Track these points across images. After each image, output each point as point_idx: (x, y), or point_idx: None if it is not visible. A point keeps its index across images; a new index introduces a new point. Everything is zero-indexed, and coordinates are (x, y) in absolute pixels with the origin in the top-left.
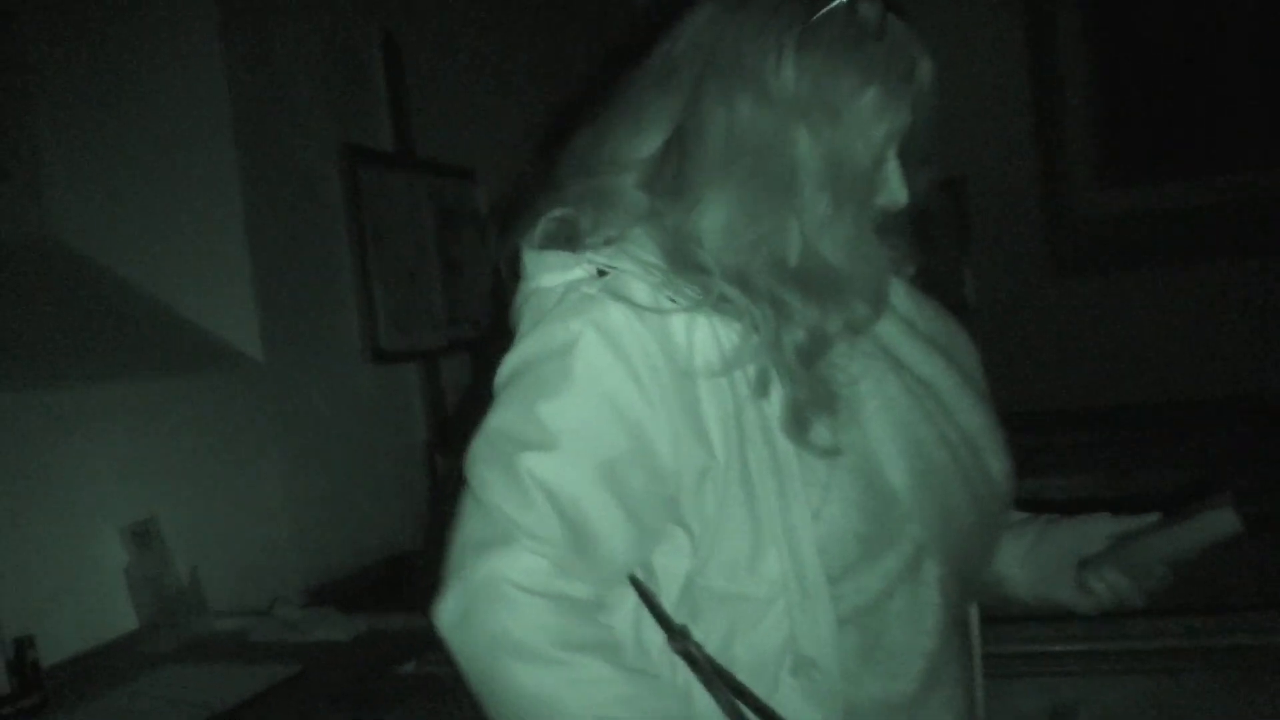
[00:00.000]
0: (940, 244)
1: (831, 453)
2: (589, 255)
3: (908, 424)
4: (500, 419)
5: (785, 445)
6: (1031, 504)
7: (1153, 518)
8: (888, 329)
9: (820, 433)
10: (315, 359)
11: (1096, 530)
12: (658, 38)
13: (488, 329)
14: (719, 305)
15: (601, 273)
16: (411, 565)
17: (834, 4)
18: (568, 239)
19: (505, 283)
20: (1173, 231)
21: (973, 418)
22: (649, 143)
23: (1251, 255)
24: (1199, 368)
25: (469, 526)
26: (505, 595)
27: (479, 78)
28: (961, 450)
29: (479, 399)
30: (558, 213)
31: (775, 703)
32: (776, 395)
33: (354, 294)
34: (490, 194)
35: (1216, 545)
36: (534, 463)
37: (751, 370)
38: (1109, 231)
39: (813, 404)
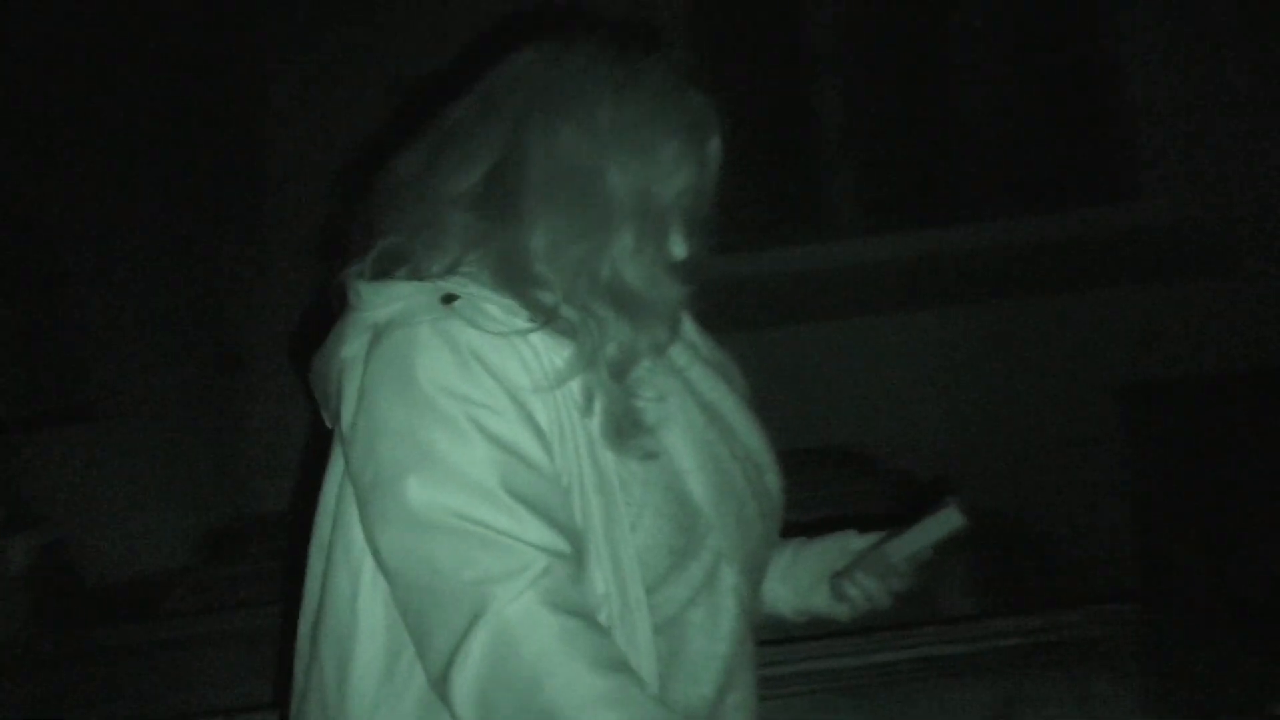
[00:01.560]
0: None
1: (650, 455)
2: (436, 283)
3: (705, 441)
4: (444, 455)
5: (607, 460)
6: None
7: (892, 529)
8: (680, 354)
9: (637, 441)
10: None
11: (845, 545)
12: (470, 76)
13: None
14: (550, 324)
15: (446, 299)
16: None
17: (649, 60)
18: (401, 268)
19: (333, 312)
20: (770, 295)
21: (752, 437)
22: (474, 171)
23: (832, 319)
24: (796, 424)
25: (471, 565)
26: (539, 618)
27: None
28: (748, 466)
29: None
30: (388, 242)
31: None
32: (597, 409)
33: None
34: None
35: (947, 540)
36: (508, 479)
37: (576, 387)
38: (709, 297)
39: (626, 415)
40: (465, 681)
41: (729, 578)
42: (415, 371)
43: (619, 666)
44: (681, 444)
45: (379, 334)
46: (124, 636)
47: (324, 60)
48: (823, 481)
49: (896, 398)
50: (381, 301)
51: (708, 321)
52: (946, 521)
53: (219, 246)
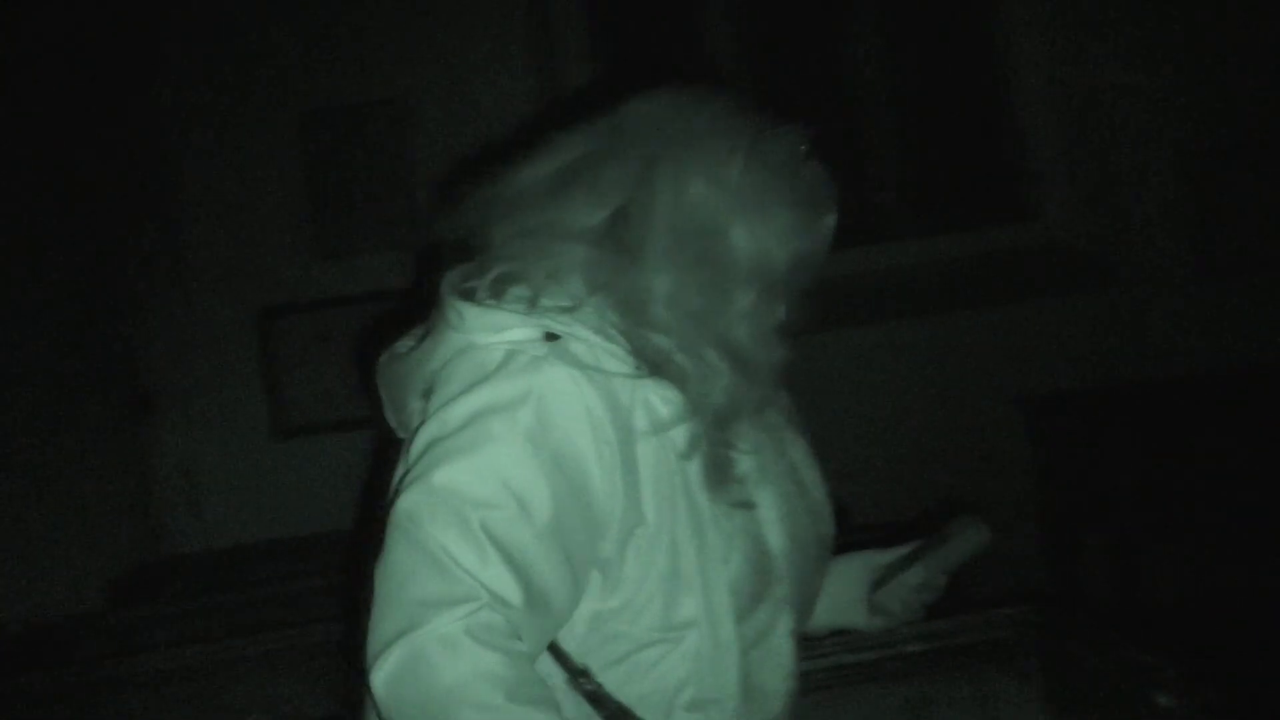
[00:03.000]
0: None
1: (742, 505)
2: (542, 318)
3: (787, 495)
4: (451, 476)
5: (704, 502)
6: None
7: (913, 545)
8: (771, 412)
9: (733, 489)
10: None
11: (872, 562)
12: (592, 110)
13: None
14: (661, 370)
15: (550, 336)
16: None
17: (778, 128)
18: (515, 298)
19: (432, 334)
20: None
21: (818, 490)
22: (602, 210)
23: None
24: None
25: (419, 582)
26: (462, 648)
27: None
28: (818, 525)
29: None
30: (502, 269)
31: None
32: (698, 455)
33: None
34: None
35: (975, 555)
36: (489, 521)
37: (681, 432)
38: None
39: (723, 464)
40: (380, 686)
41: (787, 623)
42: (478, 391)
43: (539, 700)
44: (768, 497)
45: (461, 354)
46: (35, 683)
47: (234, 96)
48: None
49: (805, 415)
50: (483, 327)
51: None
52: (976, 538)
53: (130, 288)
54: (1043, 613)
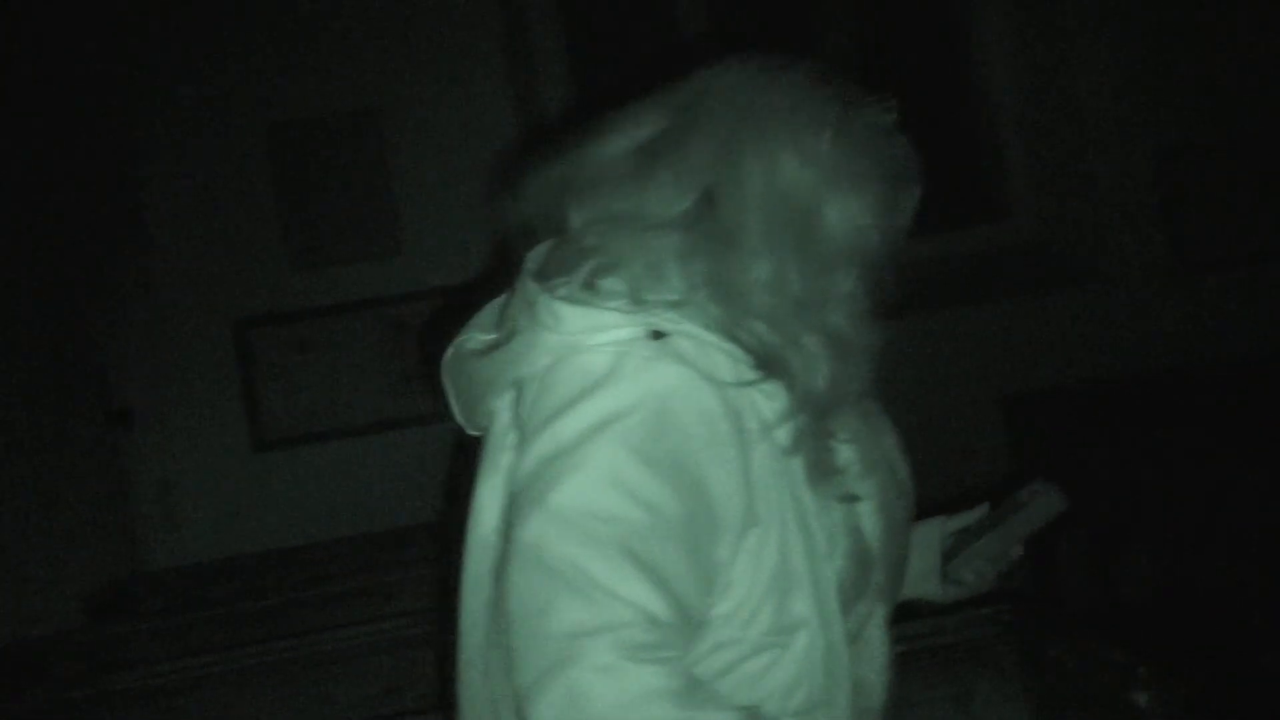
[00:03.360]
0: None
1: (850, 499)
2: (648, 315)
3: (883, 487)
4: (574, 494)
5: (808, 498)
6: None
7: (983, 509)
8: (868, 399)
9: (833, 482)
10: None
11: (942, 528)
12: (660, 86)
13: None
14: (766, 364)
15: (655, 334)
16: None
17: (861, 99)
18: (613, 293)
19: (520, 333)
20: None
21: (905, 474)
22: (688, 194)
23: None
24: None
25: (561, 613)
26: (621, 672)
27: None
28: (908, 511)
29: None
30: (597, 262)
31: None
32: (802, 449)
33: None
34: None
35: (1049, 523)
36: (621, 536)
37: (785, 427)
38: None
39: (825, 456)
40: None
41: (880, 613)
42: (591, 400)
43: (707, 702)
44: (866, 489)
45: (563, 359)
46: (13, 703)
47: (205, 106)
48: None
49: None
50: (583, 328)
51: None
52: (1051, 505)
53: (104, 302)
54: (1020, 612)
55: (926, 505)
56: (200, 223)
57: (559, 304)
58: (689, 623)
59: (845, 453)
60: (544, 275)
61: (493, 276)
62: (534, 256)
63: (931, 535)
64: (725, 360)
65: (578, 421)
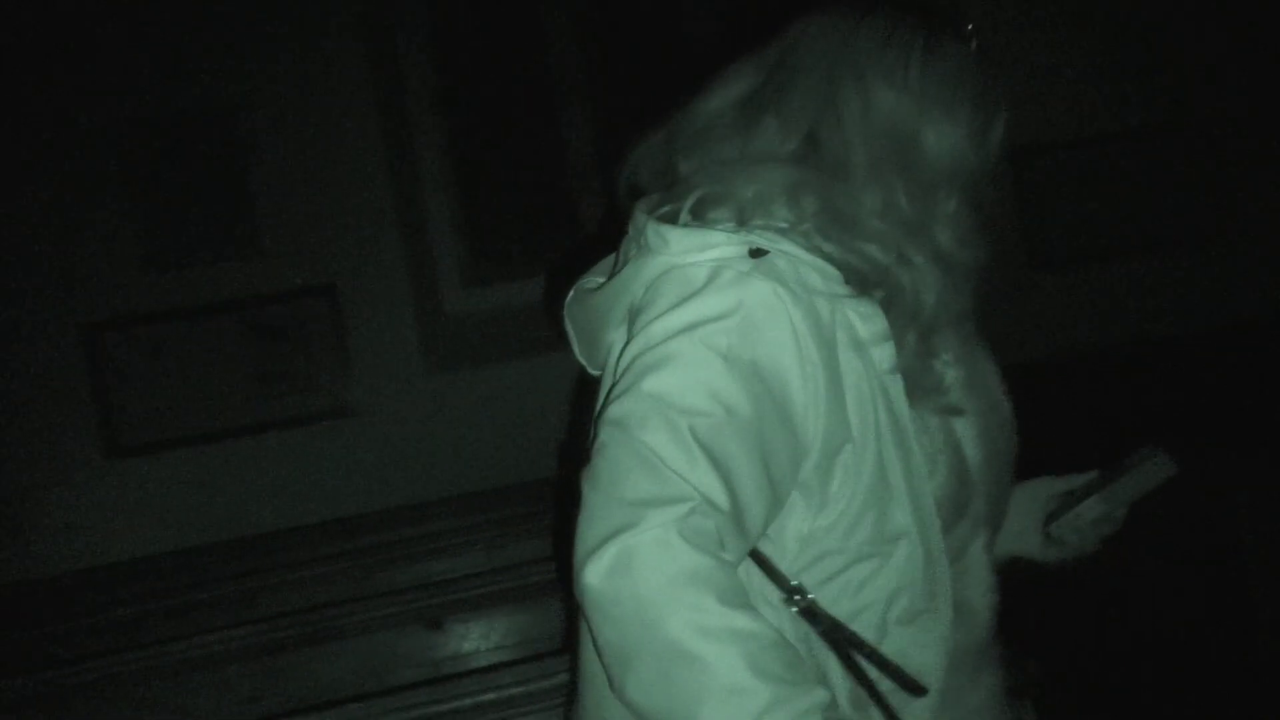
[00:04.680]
0: (319, 352)
1: (948, 411)
2: (749, 235)
3: (984, 410)
4: (659, 383)
5: (908, 416)
6: None
7: (1092, 474)
8: (970, 324)
9: (935, 398)
10: None
11: (1047, 490)
12: (757, 36)
13: None
14: (872, 283)
15: (755, 253)
16: None
17: (945, 30)
18: (719, 218)
19: (630, 262)
20: (532, 323)
21: (1006, 406)
22: (794, 136)
23: None
24: (565, 446)
25: (631, 483)
26: (676, 549)
27: None
28: (1007, 436)
29: None
30: (704, 191)
31: (884, 650)
32: (904, 366)
33: None
34: None
35: (1158, 487)
36: (698, 427)
37: (885, 346)
38: (475, 328)
39: (927, 374)
40: (592, 582)
41: (983, 536)
42: (686, 305)
43: (747, 606)
44: (966, 410)
45: (665, 274)
46: None
47: (46, 102)
48: None
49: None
50: (688, 248)
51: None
52: (1160, 469)
53: None
54: None
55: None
56: (46, 221)
57: (665, 227)
58: (746, 528)
59: (949, 374)
60: (651, 207)
61: (596, 245)
62: (645, 202)
63: (1037, 493)
64: (818, 279)
65: (670, 323)
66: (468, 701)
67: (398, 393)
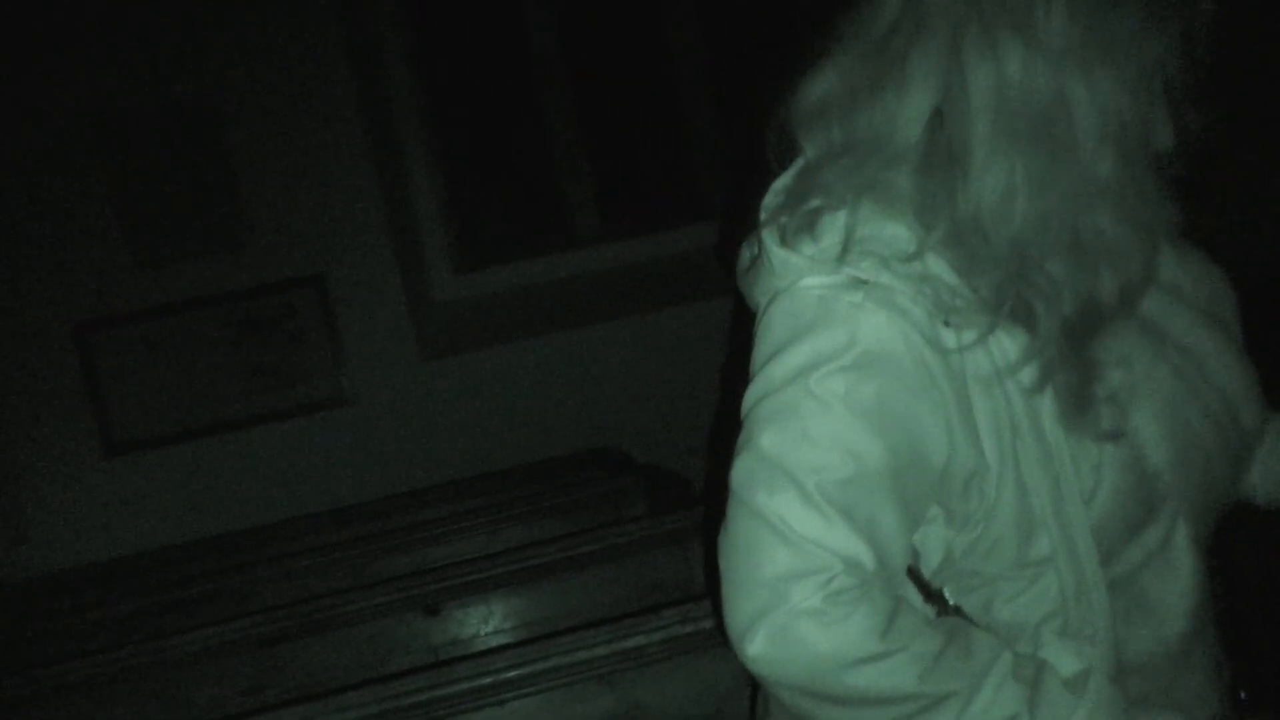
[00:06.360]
0: (310, 343)
1: (1110, 436)
2: (861, 260)
3: (1174, 404)
4: (778, 441)
5: (1057, 436)
6: None
7: None
8: (1153, 300)
9: (1096, 418)
10: None
11: None
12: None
13: None
14: (997, 308)
15: (864, 280)
16: None
17: None
18: (830, 229)
19: (756, 259)
20: (523, 307)
21: (1232, 378)
22: (917, 114)
23: (584, 325)
24: (559, 428)
25: (769, 559)
26: (829, 615)
27: None
28: (1222, 417)
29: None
30: (819, 200)
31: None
32: (1050, 386)
33: None
34: None
35: None
36: (825, 484)
37: (1025, 369)
38: (466, 314)
39: (1082, 392)
40: (755, 664)
41: (1186, 532)
42: (798, 345)
43: (912, 631)
44: (1147, 411)
45: (774, 300)
46: None
47: (25, 99)
48: (583, 483)
49: (646, 398)
50: (795, 273)
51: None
52: None
53: None
54: None
55: None
56: (32, 221)
57: (774, 248)
58: (891, 570)
59: (1114, 378)
60: (772, 210)
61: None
62: (775, 189)
63: None
64: (940, 303)
65: (785, 366)
66: (466, 685)
67: (390, 381)
